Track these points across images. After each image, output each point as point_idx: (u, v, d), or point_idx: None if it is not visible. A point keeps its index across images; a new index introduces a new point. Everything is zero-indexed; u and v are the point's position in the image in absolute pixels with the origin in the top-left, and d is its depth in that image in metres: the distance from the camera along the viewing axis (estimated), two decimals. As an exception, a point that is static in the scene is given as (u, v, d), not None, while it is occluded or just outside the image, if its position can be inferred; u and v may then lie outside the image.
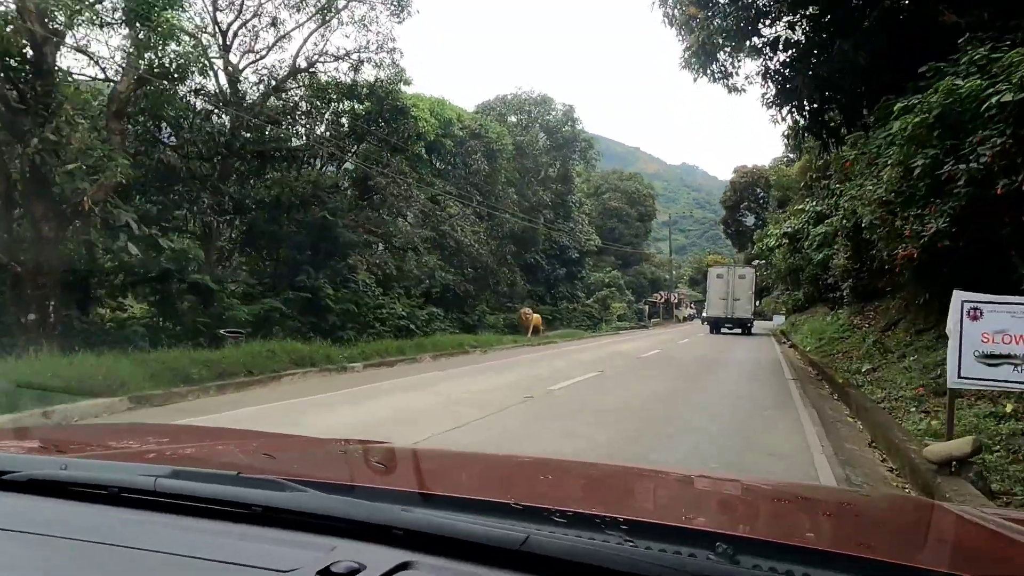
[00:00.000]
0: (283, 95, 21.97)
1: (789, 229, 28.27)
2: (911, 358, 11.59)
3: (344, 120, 23.90)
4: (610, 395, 9.58)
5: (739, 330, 33.36)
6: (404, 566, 0.94)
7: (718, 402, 8.95)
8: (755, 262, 56.14)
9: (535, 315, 29.58)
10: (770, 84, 15.13)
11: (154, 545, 1.03)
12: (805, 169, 34.11)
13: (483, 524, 1.01)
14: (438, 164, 29.47)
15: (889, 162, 8.69)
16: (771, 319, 53.27)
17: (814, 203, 28.33)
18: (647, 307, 60.09)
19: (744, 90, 16.09)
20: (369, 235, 22.09)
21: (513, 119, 37.19)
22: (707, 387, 10.78)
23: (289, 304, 17.12)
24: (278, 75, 19.86)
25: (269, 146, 18.29)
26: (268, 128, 18.48)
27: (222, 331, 14.72)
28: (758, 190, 59.35)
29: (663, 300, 64.99)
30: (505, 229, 29.18)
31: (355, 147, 24.36)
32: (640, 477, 2.01)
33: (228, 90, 18.10)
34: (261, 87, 18.79)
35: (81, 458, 1.49)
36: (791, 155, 46.31)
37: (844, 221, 13.74)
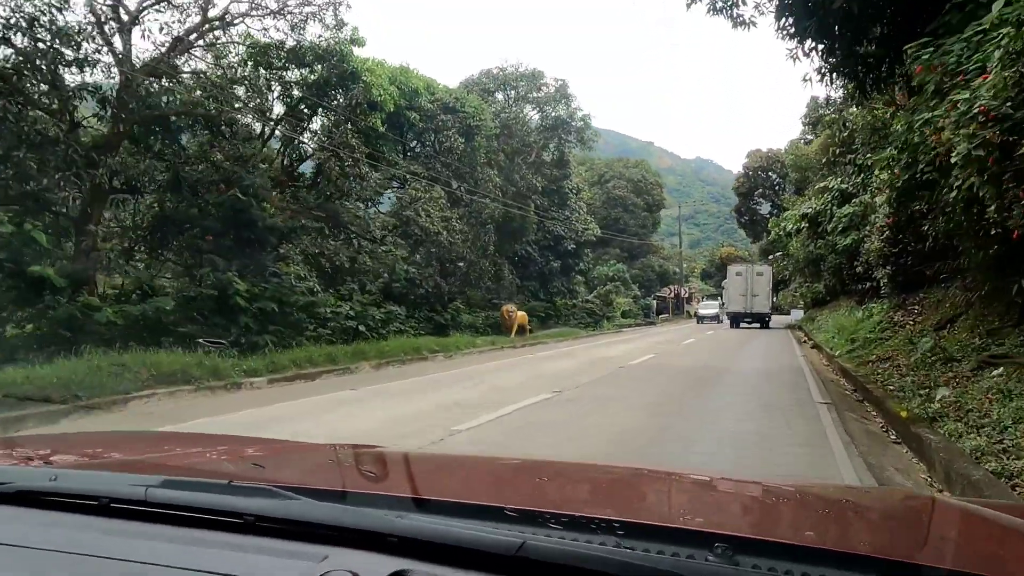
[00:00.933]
0: (219, 59, 18.73)
1: (809, 211, 24.61)
2: (994, 373, 8.05)
3: (296, 92, 20.58)
4: (537, 446, 6.09)
5: (757, 324, 34.46)
6: (399, 574, 0.93)
7: (709, 462, 5.44)
8: (771, 256, 52.57)
9: (519, 313, 26.11)
10: (787, 16, 11.58)
11: (145, 556, 1.01)
12: (826, 146, 30.36)
13: (478, 530, 0.99)
14: (412, 142, 26.07)
15: (996, 55, 5.15)
16: (788, 313, 49.52)
17: (838, 180, 24.68)
18: (655, 302, 56.37)
19: (754, 23, 12.56)
20: (311, 220, 18.72)
21: (500, 96, 33.69)
22: (699, 424, 7.23)
23: (189, 304, 13.79)
24: (193, 29, 16.52)
25: (169, 111, 14.93)
26: (174, 91, 15.15)
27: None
28: (773, 175, 55.42)
29: (673, 295, 61.17)
30: (484, 215, 25.68)
31: (306, 121, 21.05)
32: (637, 478, 1.94)
33: (121, 47, 14.74)
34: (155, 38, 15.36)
35: (71, 469, 1.48)
36: (809, 136, 42.43)
37: (893, 179, 10.17)
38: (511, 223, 31.07)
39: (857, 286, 26.93)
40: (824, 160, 28.17)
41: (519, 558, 0.92)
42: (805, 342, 24.05)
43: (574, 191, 37.08)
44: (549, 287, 35.47)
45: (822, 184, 25.06)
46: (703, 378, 12.02)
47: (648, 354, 17.47)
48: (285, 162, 21.12)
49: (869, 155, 19.95)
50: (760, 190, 56.82)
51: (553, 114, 34.48)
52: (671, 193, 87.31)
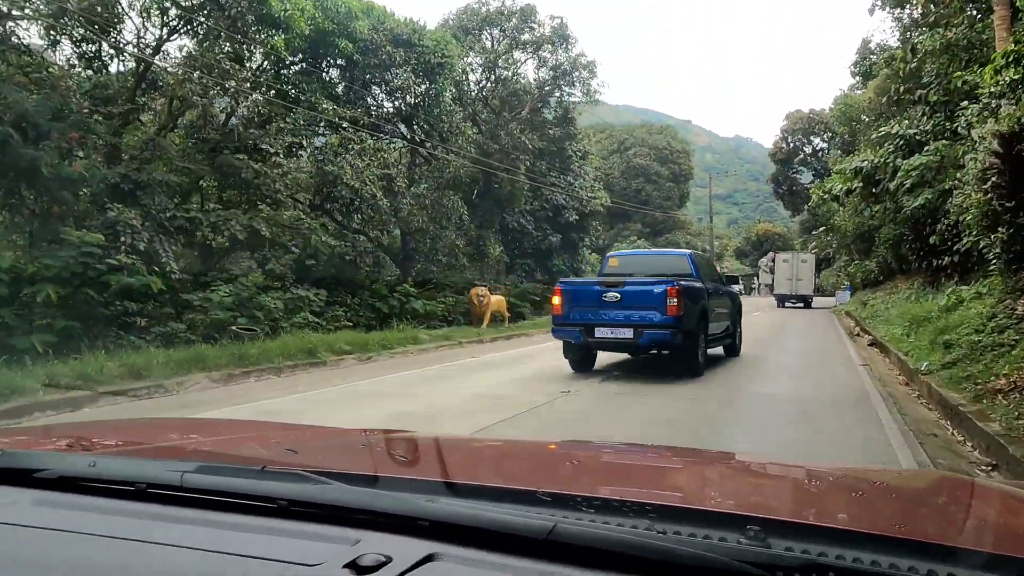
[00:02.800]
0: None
1: (865, 164, 18.86)
2: None
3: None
4: None
5: (801, 304, 37.13)
6: (430, 557, 0.93)
7: None
8: (813, 232, 46.53)
9: (494, 297, 20.89)
10: None
11: (181, 540, 1.02)
12: (884, 88, 24.39)
13: (509, 513, 0.99)
14: (351, 82, 20.90)
15: None
16: (833, 295, 43.48)
17: (903, 125, 18.92)
18: (681, 283, 50.63)
19: None
20: (182, 176, 13.81)
21: (486, 40, 28.30)
22: None
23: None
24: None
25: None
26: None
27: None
28: (816, 140, 48.93)
29: (702, 275, 55.25)
30: (447, 176, 20.41)
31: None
32: (669, 460, 1.91)
33: None
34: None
35: (109, 455, 1.50)
36: (860, 90, 36.06)
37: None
38: (497, 188, 25.85)
39: (926, 262, 21.19)
40: (883, 101, 22.30)
41: (550, 541, 0.91)
42: (859, 335, 18.46)
43: (579, 154, 31.58)
44: (548, 265, 30.13)
45: (882, 131, 19.26)
46: (689, 423, 6.75)
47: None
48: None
49: (959, 73, 14.27)
50: (800, 156, 50.37)
51: (551, 60, 28.99)
52: (709, 171, 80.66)
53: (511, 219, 28.24)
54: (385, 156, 17.42)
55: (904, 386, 9.16)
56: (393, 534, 0.98)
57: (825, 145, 47.15)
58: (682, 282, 9.46)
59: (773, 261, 59.08)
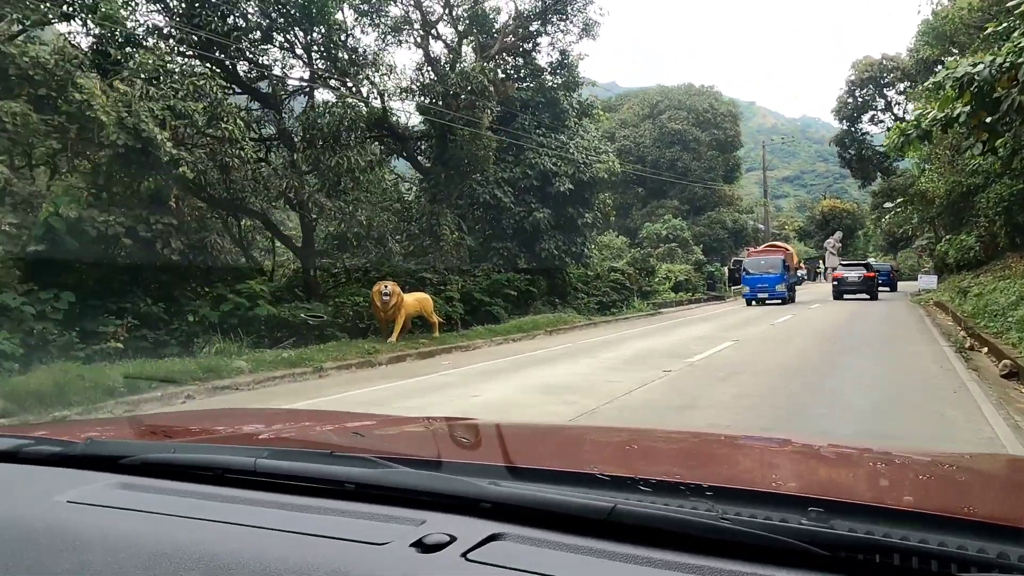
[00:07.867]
0: None
1: (979, 69, 11.49)
2: None
3: None
4: None
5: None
6: (494, 537, 0.94)
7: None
8: (886, 205, 38.68)
9: (409, 296, 14.32)
10: None
11: (255, 521, 1.05)
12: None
13: (570, 495, 1.00)
14: None
15: None
16: (915, 279, 35.34)
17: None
18: (728, 270, 42.84)
19: None
20: None
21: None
22: None
23: None
24: None
25: None
26: None
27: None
28: (890, 92, 40.32)
29: (755, 258, 47.16)
30: (326, 122, 13.82)
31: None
32: (728, 444, 1.92)
33: None
34: None
35: (188, 443, 1.56)
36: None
37: None
38: (454, 148, 19.24)
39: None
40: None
41: (611, 522, 0.92)
42: (972, 348, 11.20)
43: (576, 109, 24.66)
44: (536, 249, 23.29)
45: (1011, 7, 11.81)
46: None
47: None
48: None
49: None
50: (871, 114, 41.84)
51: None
52: (774, 153, 71.49)
53: (483, 190, 21.62)
54: (196, 84, 11.05)
55: None
56: (457, 515, 1.00)
57: (902, 97, 38.66)
58: None
59: (841, 242, 50.43)
